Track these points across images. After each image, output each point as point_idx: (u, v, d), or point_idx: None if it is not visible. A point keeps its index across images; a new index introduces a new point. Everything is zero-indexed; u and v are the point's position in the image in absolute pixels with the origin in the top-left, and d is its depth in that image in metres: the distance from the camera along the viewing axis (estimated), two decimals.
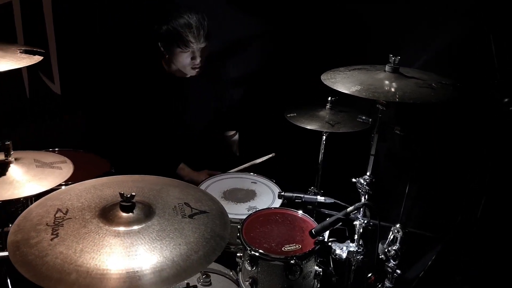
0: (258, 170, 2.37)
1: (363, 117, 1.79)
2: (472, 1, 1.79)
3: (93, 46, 2.54)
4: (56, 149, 2.26)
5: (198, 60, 2.25)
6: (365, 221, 1.75)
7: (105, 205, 1.26)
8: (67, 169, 1.56)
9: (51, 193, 1.34)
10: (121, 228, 1.17)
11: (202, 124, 2.55)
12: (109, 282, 0.99)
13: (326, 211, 2.07)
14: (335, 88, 1.47)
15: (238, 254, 1.71)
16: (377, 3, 2.36)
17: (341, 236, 1.89)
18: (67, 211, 1.23)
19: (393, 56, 1.53)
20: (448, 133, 1.90)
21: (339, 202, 1.92)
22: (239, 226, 1.75)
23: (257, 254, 1.59)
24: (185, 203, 1.37)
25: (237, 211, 1.98)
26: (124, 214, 1.21)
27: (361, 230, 1.78)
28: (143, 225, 1.20)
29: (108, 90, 2.57)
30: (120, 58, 2.57)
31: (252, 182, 2.26)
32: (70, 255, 1.05)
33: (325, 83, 1.53)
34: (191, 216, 1.30)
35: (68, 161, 1.63)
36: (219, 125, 2.72)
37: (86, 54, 2.53)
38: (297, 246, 1.64)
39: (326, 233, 1.75)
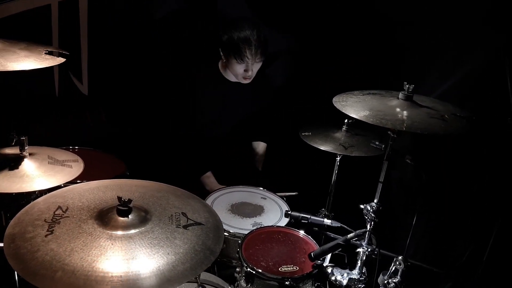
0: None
1: (377, 143, 1.75)
2: (495, 33, 1.73)
3: (126, 48, 2.62)
4: (76, 147, 2.35)
5: (250, 73, 2.30)
6: (369, 249, 1.70)
7: (103, 208, 1.29)
8: (77, 168, 1.61)
9: (57, 190, 1.39)
10: (115, 232, 1.19)
11: (238, 129, 2.55)
12: (90, 284, 1.01)
13: (332, 235, 2.02)
14: (344, 111, 1.45)
15: (237, 269, 1.71)
16: (406, 26, 2.32)
17: (341, 262, 1.85)
18: (66, 209, 1.27)
19: (407, 84, 1.50)
20: (460, 165, 1.82)
21: (345, 227, 1.88)
22: (239, 241, 1.75)
23: (253, 271, 1.57)
24: (182, 212, 1.38)
25: (242, 226, 1.97)
26: (120, 218, 1.23)
27: (364, 258, 1.73)
28: (137, 230, 1.22)
29: (139, 89, 2.65)
30: (161, 57, 2.65)
31: (261, 198, 2.25)
32: (60, 253, 1.08)
33: (335, 105, 1.52)
34: (185, 227, 1.31)
35: (80, 160, 1.68)
36: (252, 132, 2.71)
37: (118, 55, 2.62)
38: (295, 268, 1.61)
39: (328, 258, 1.71)
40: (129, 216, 1.24)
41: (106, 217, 1.24)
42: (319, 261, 1.59)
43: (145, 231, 1.23)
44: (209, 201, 2.16)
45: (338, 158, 2.17)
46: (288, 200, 2.26)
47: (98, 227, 1.20)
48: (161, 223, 1.29)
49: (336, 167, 2.21)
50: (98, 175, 2.15)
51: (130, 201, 1.25)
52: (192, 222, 1.35)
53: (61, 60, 1.57)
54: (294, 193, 2.34)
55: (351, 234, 1.54)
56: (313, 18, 2.73)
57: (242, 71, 2.29)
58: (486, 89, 1.72)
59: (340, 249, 1.56)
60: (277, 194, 2.27)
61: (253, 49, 2.21)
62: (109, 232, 1.19)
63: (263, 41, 2.26)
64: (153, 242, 1.19)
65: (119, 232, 1.19)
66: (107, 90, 2.64)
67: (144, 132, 2.61)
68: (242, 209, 2.12)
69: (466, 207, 1.78)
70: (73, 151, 1.87)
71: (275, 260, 1.65)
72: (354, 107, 1.47)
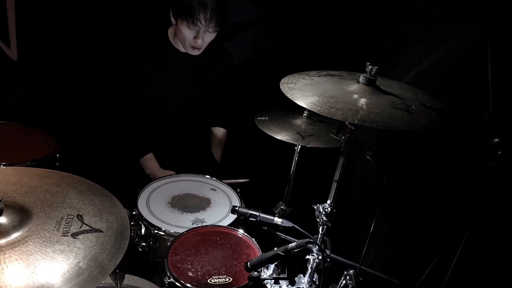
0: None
1: (336, 133, 1.48)
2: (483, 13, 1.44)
3: (63, 7, 2.27)
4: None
5: (199, 41, 2.00)
6: (319, 256, 1.46)
7: None
8: None
9: None
10: None
11: (193, 109, 2.25)
12: None
13: (282, 236, 1.77)
14: (289, 96, 1.17)
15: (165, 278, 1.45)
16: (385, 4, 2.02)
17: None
18: None
19: (370, 65, 1.21)
20: (429, 165, 1.57)
21: (297, 227, 1.62)
22: (168, 243, 1.48)
23: (176, 283, 1.32)
24: (78, 215, 1.11)
25: (179, 223, 1.71)
26: None
27: (314, 266, 1.49)
28: (4, 240, 0.95)
29: (78, 56, 2.32)
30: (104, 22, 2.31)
31: (211, 189, 1.98)
32: None
33: (281, 88, 1.23)
34: (74, 235, 1.04)
35: None
36: (206, 113, 2.41)
37: (53, 15, 2.26)
38: (227, 279, 1.36)
39: (271, 267, 1.46)
40: None
41: None
42: (255, 273, 1.33)
43: (14, 242, 0.95)
44: (148, 190, 1.90)
45: (298, 147, 1.90)
46: (242, 192, 2.00)
47: None
48: (42, 230, 1.01)
49: (295, 157, 1.94)
50: (22, 154, 1.88)
51: None
52: (86, 228, 1.08)
53: None
54: (245, 180, 2.08)
55: (292, 244, 1.29)
56: None
57: (192, 37, 1.99)
58: (466, 79, 1.44)
59: (280, 260, 1.30)
60: (225, 181, 2.01)
61: (208, 14, 1.90)
62: None
63: (222, 9, 1.95)
64: (20, 256, 0.92)
65: None
66: (41, 57, 2.29)
67: (84, 106, 2.29)
68: (185, 202, 1.85)
69: (433, 213, 1.54)
70: None
71: (206, 269, 1.39)
72: (303, 91, 1.19)
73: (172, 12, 2.01)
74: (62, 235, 1.02)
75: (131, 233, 1.79)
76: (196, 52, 2.06)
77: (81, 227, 1.07)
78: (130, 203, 1.81)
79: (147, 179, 2.09)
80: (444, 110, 1.14)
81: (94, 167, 2.21)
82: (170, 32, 2.13)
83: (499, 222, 1.26)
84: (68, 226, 1.06)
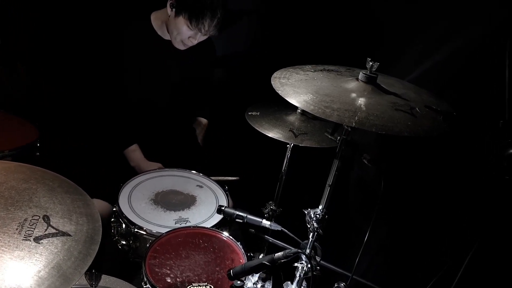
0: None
1: (331, 133, 1.38)
2: (498, 7, 1.32)
3: None
4: None
5: (194, 42, 1.92)
6: (308, 264, 1.36)
7: None
8: None
9: None
10: None
11: (176, 99, 2.15)
12: None
13: (271, 239, 1.68)
14: (280, 93, 1.06)
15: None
16: None
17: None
18: None
19: (371, 60, 1.10)
20: (433, 171, 1.47)
21: (286, 231, 1.52)
22: (148, 245, 1.38)
23: None
24: (45, 215, 1.01)
25: (161, 222, 1.61)
26: None
27: (302, 274, 1.40)
28: None
29: (62, 42, 2.19)
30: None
31: (197, 186, 1.88)
32: None
33: (272, 83, 1.13)
34: (37, 239, 0.94)
35: None
36: (195, 106, 2.33)
37: None
38: (208, 287, 1.26)
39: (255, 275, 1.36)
40: None
41: None
42: (239, 282, 1.24)
43: None
44: (131, 185, 1.79)
45: (290, 146, 1.79)
46: (231, 189, 1.90)
47: None
48: (1, 233, 0.91)
49: (287, 155, 1.84)
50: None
51: None
52: (52, 231, 0.97)
53: None
54: (234, 178, 1.98)
55: (279, 254, 1.19)
56: None
57: (187, 37, 1.89)
58: (477, 78, 1.34)
59: (265, 270, 1.21)
60: (213, 178, 1.91)
61: (215, 21, 1.82)
62: None
63: (224, 18, 1.86)
64: None
65: None
66: (26, 41, 2.17)
67: (68, 94, 2.17)
68: (169, 199, 1.75)
69: (433, 223, 1.45)
70: None
71: (186, 275, 1.30)
72: (295, 87, 1.08)
73: (175, 3, 1.87)
74: (23, 239, 0.92)
75: (111, 230, 1.71)
76: (183, 48, 1.96)
77: (46, 230, 0.96)
78: (113, 198, 1.71)
79: (133, 173, 1.99)
80: (451, 114, 1.04)
81: (76, 160, 2.11)
82: (155, 17, 1.99)
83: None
84: (31, 229, 0.95)
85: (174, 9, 1.85)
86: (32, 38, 2.18)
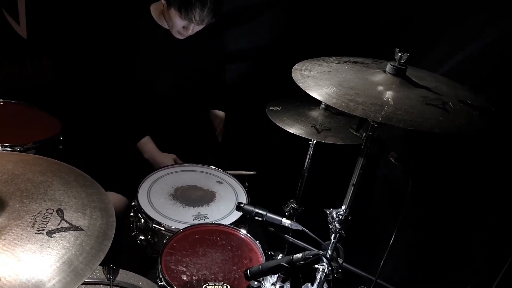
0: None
1: (356, 129, 1.31)
2: None
3: None
4: (1, 100, 1.97)
5: (188, 33, 1.91)
6: (329, 267, 1.30)
7: None
8: None
9: None
10: None
11: (183, 90, 2.13)
12: None
13: (291, 239, 1.62)
14: (301, 85, 1.01)
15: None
16: None
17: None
18: None
19: (400, 51, 1.03)
20: (469, 171, 1.36)
21: (307, 231, 1.46)
22: (165, 241, 1.36)
23: (168, 287, 1.19)
24: (59, 209, 0.99)
25: (179, 217, 1.58)
26: None
27: (323, 277, 1.34)
28: None
29: (80, 37, 2.20)
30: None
31: (217, 182, 1.85)
32: None
33: (293, 76, 1.07)
34: (50, 233, 0.92)
35: None
36: (209, 100, 2.30)
37: None
38: (224, 287, 1.22)
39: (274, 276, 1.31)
40: None
41: None
42: (256, 283, 1.19)
43: None
44: (150, 180, 1.77)
45: (313, 142, 1.73)
46: (251, 186, 1.85)
47: None
48: (14, 226, 0.89)
49: (310, 151, 1.78)
50: (26, 135, 1.80)
51: None
52: (65, 225, 0.95)
53: None
54: (251, 173, 1.93)
55: (298, 256, 1.14)
56: None
57: (181, 27, 1.87)
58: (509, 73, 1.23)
59: (284, 271, 1.16)
60: (229, 172, 1.87)
61: (205, 11, 1.77)
62: None
63: (218, 6, 1.81)
64: None
65: None
66: (51, 34, 2.18)
67: (88, 90, 2.17)
68: (188, 195, 1.72)
69: (465, 228, 1.35)
70: None
71: (202, 273, 1.26)
72: (318, 79, 1.02)
73: None
74: (36, 233, 0.90)
75: (130, 224, 1.70)
76: (181, 37, 1.94)
77: (59, 223, 0.94)
78: (128, 191, 1.69)
79: (147, 165, 1.97)
80: (489, 109, 0.95)
81: (96, 155, 2.11)
82: (154, 8, 2.00)
83: None
84: (45, 222, 0.93)
85: (165, 1, 1.85)
86: (59, 32, 2.20)
